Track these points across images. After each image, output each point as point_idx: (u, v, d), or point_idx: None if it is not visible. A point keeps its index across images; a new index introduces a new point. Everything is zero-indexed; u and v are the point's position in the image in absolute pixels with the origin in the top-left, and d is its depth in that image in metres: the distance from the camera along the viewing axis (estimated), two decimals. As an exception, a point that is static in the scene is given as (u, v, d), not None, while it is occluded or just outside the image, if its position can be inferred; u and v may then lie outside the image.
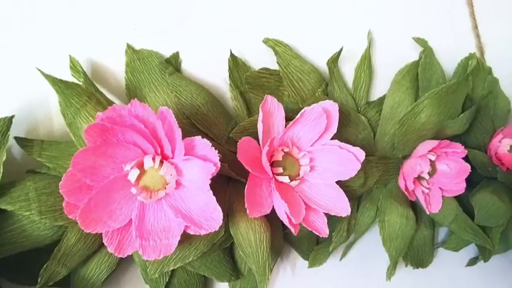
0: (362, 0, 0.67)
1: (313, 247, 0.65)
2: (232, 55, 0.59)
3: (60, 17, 0.55)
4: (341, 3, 0.66)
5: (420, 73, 0.66)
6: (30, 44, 0.54)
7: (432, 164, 0.63)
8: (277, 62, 0.61)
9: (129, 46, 0.56)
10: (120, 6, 0.57)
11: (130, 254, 0.46)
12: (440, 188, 0.65)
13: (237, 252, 0.60)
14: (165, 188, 0.47)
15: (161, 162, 0.46)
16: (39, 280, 0.49)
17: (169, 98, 0.56)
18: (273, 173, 0.53)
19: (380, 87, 0.68)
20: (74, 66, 0.52)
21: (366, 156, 0.56)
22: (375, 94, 0.68)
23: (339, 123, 0.55)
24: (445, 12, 0.72)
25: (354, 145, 0.56)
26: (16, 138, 0.50)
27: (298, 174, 0.55)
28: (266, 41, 0.61)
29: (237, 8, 0.61)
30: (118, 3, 0.57)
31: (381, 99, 0.67)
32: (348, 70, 0.66)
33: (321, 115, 0.54)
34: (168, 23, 0.59)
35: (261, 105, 0.51)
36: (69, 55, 0.52)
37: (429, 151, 0.62)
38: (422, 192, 0.64)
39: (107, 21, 0.56)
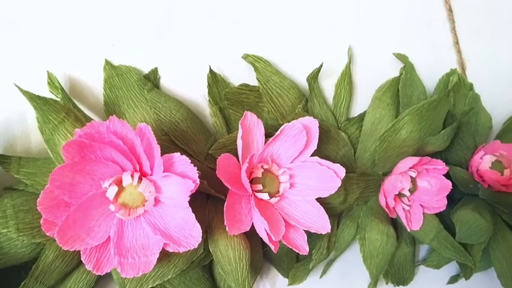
0: (342, 16, 0.68)
1: (293, 264, 0.66)
2: (211, 71, 0.60)
3: (38, 32, 0.55)
4: (321, 19, 0.67)
5: (401, 89, 0.67)
6: (8, 59, 0.54)
7: (413, 180, 0.64)
8: (257, 78, 0.62)
9: (107, 62, 0.57)
10: (99, 21, 0.58)
11: (108, 271, 0.46)
12: (421, 205, 0.66)
13: (217, 269, 0.60)
14: (144, 205, 0.47)
15: (140, 179, 0.47)
16: (16, 298, 0.50)
17: (148, 114, 0.57)
18: (252, 190, 0.54)
19: (360, 104, 0.69)
20: (52, 82, 0.53)
21: (346, 173, 0.57)
22: (356, 110, 0.69)
23: (319, 139, 0.56)
24: (425, 27, 0.73)
25: (334, 162, 0.57)
26: (-7, 155, 0.51)
27: (278, 191, 0.56)
28: (245, 57, 0.62)
29: (217, 24, 0.62)
30: (96, 19, 0.57)
31: (362, 116, 0.68)
32: (328, 86, 0.67)
33: (301, 131, 0.55)
34: (147, 39, 0.59)
35: (240, 121, 0.52)
36: (47, 71, 0.53)
37: (410, 168, 0.63)
38: (403, 209, 0.64)
39: (85, 37, 0.57)
